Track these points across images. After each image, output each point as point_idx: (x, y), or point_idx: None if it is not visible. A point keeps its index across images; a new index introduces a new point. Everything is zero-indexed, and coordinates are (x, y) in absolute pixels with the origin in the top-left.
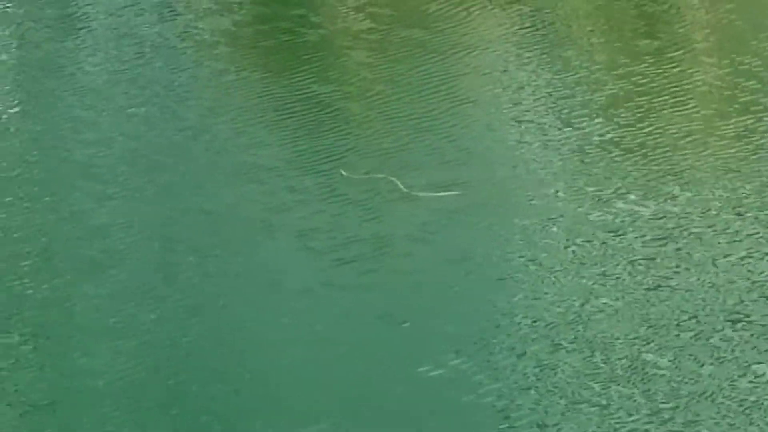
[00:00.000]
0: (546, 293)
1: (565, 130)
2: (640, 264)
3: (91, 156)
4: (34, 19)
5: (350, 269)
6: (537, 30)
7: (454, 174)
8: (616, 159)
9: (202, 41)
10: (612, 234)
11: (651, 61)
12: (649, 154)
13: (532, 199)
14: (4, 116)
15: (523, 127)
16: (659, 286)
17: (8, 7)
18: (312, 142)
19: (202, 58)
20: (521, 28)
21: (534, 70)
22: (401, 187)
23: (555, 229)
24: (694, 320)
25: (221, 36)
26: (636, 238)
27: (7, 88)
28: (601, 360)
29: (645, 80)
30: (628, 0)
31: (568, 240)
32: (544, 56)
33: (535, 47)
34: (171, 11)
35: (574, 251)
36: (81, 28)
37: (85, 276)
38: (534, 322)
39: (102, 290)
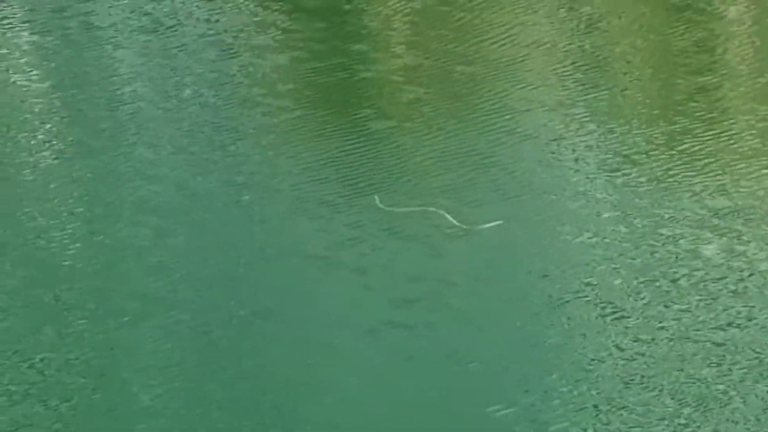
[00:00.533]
0: (612, 331)
1: (626, 166)
2: (705, 303)
3: (150, 193)
4: (94, 59)
5: (412, 307)
6: (596, 67)
7: (513, 209)
8: (679, 196)
9: (260, 78)
10: (676, 272)
11: (711, 97)
12: (712, 191)
13: (592, 237)
14: (65, 153)
15: (582, 163)
16: (725, 324)
17: (68, 48)
18: (370, 178)
19: (260, 96)
20: (581, 65)
21: (594, 107)
22: (451, 219)
23: (618, 267)
24: (759, 359)
25: (279, 73)
26: (700, 276)
27: (68, 126)
28: (670, 398)
29: (706, 116)
30: (686, 37)
31: (631, 279)
32: (605, 92)
33: (595, 84)
34: (229, 49)
35: (638, 290)
36: (140, 66)
37: (145, 315)
38: (601, 360)
39: (161, 330)
